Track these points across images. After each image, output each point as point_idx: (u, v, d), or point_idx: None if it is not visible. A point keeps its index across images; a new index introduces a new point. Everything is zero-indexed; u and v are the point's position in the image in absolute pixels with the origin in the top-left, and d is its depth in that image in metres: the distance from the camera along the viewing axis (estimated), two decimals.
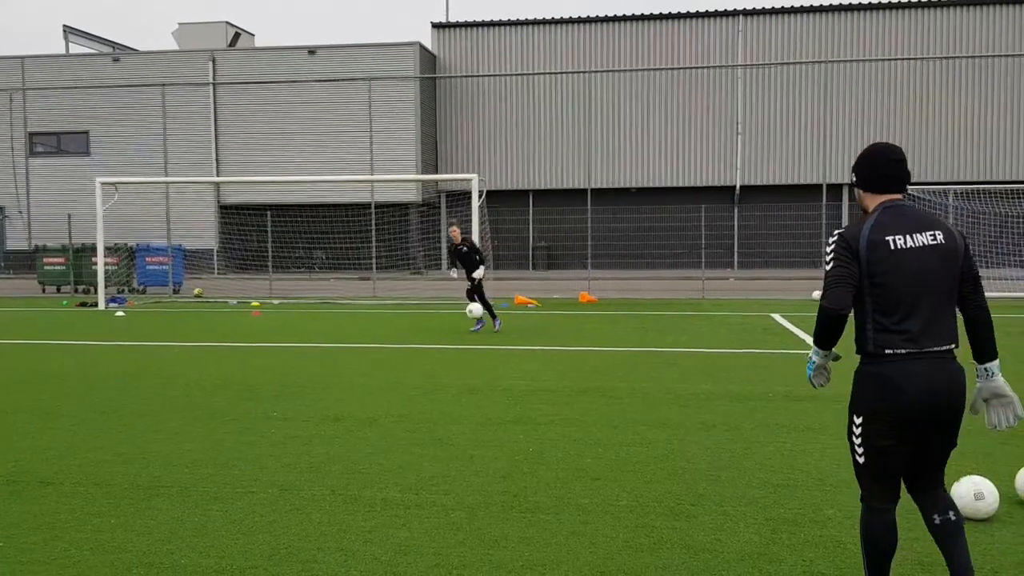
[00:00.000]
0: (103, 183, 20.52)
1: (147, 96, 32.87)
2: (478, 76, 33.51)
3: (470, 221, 17.97)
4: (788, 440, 6.23)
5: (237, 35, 38.44)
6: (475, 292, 13.45)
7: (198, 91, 34.12)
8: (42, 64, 35.78)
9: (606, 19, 34.84)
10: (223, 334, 13.63)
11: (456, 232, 13.66)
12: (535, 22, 35.34)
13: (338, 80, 30.89)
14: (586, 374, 9.33)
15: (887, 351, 3.13)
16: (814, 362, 3.41)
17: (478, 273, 13.36)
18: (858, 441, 3.25)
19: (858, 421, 3.23)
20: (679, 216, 29.55)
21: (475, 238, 17.68)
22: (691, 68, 32.61)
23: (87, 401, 7.98)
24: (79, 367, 10.21)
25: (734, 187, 33.56)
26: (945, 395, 3.12)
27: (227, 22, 38.27)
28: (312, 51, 34.36)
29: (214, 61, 34.89)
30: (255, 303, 19.79)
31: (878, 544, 3.27)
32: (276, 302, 20.05)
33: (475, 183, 17.82)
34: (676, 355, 10.86)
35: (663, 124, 34.16)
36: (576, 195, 31.37)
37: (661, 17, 34.30)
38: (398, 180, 23.71)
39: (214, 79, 34.31)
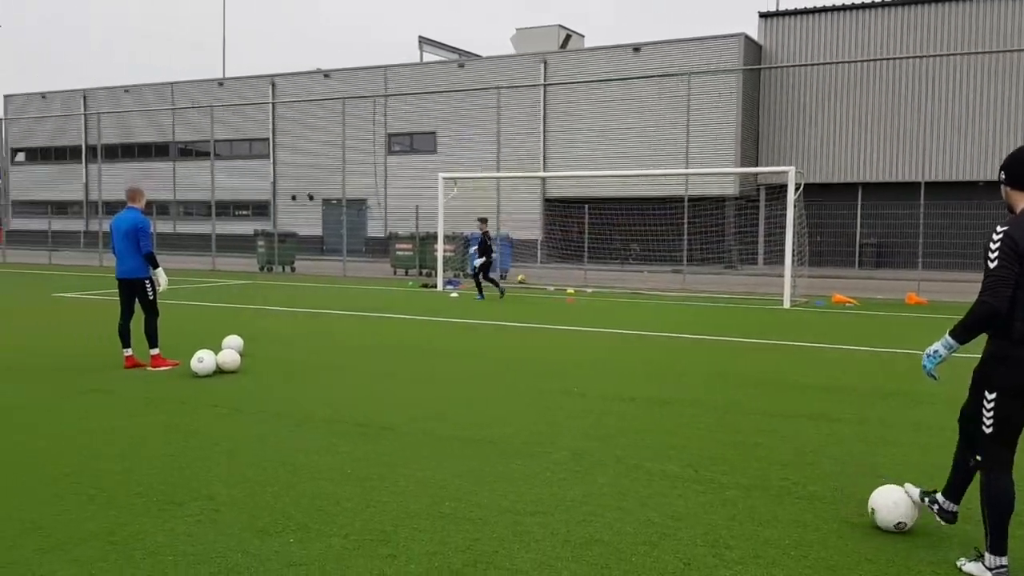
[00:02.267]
0: (445, 178, 22.83)
1: (485, 98, 35.80)
2: (805, 65, 32.14)
3: (784, 215, 17.54)
4: None
5: (568, 37, 40.42)
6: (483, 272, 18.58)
7: (530, 92, 36.46)
8: (401, 72, 40.36)
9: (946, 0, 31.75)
10: (538, 317, 14.72)
11: (484, 227, 18.79)
12: (871, 5, 33.15)
13: (658, 76, 31.34)
14: (891, 376, 8.91)
15: None
16: (940, 355, 3.76)
17: (478, 261, 18.69)
18: (990, 414, 3.69)
19: (992, 396, 3.67)
20: None
21: (789, 232, 17.32)
22: None
23: (419, 366, 9.22)
24: (416, 338, 11.70)
25: None
26: None
27: (560, 25, 40.38)
28: (637, 48, 35.20)
29: (545, 63, 37.04)
30: (570, 291, 20.95)
31: (1005, 506, 3.67)
32: (590, 291, 21.05)
33: (791, 175, 17.34)
34: None
35: (1012, 111, 30.42)
36: (909, 189, 29.05)
37: None
38: (710, 173, 23.66)
39: (544, 80, 36.43)
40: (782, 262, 18.17)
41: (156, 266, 8.94)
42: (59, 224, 41.72)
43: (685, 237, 22.99)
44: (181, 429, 6.26)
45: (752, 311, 16.42)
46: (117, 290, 9.11)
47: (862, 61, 31.81)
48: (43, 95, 50.73)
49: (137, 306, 9.04)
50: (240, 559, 3.86)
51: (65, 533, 4.13)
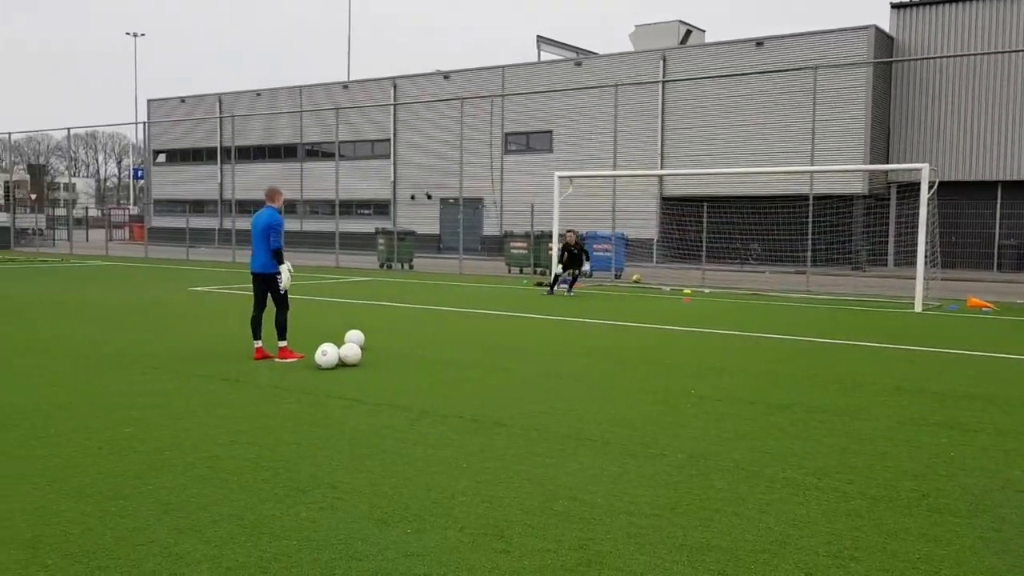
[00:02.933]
0: (560, 177, 22.85)
1: (603, 96, 35.62)
2: (940, 57, 30.54)
3: (916, 214, 16.70)
4: None
5: (688, 33, 39.73)
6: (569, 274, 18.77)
7: (648, 89, 36.04)
8: (518, 72, 40.64)
9: None
10: (653, 317, 14.54)
11: (572, 236, 18.83)
12: None
13: (782, 71, 30.40)
14: None
15: None
16: None
17: (586, 267, 19.09)
18: None
19: None
20: None
21: (921, 233, 16.51)
22: None
23: (533, 363, 9.26)
24: (530, 336, 11.75)
25: None
26: None
27: (680, 21, 39.74)
28: (759, 43, 34.26)
29: (664, 59, 36.53)
30: (687, 291, 20.60)
31: None
32: (707, 291, 20.64)
33: (925, 173, 16.49)
34: None
35: None
36: None
37: None
38: (837, 170, 22.74)
39: (663, 77, 35.94)
40: (913, 264, 17.32)
41: (281, 262, 9.30)
42: (196, 222, 44.04)
43: (809, 237, 22.21)
44: (305, 419, 6.50)
45: (881, 314, 15.72)
46: (251, 284, 9.54)
47: (1001, 53, 29.94)
48: (182, 99, 53.65)
49: (269, 299, 9.45)
50: (360, 546, 3.97)
51: (198, 515, 4.36)
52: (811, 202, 21.95)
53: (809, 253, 22.48)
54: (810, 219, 22.02)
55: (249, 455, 5.46)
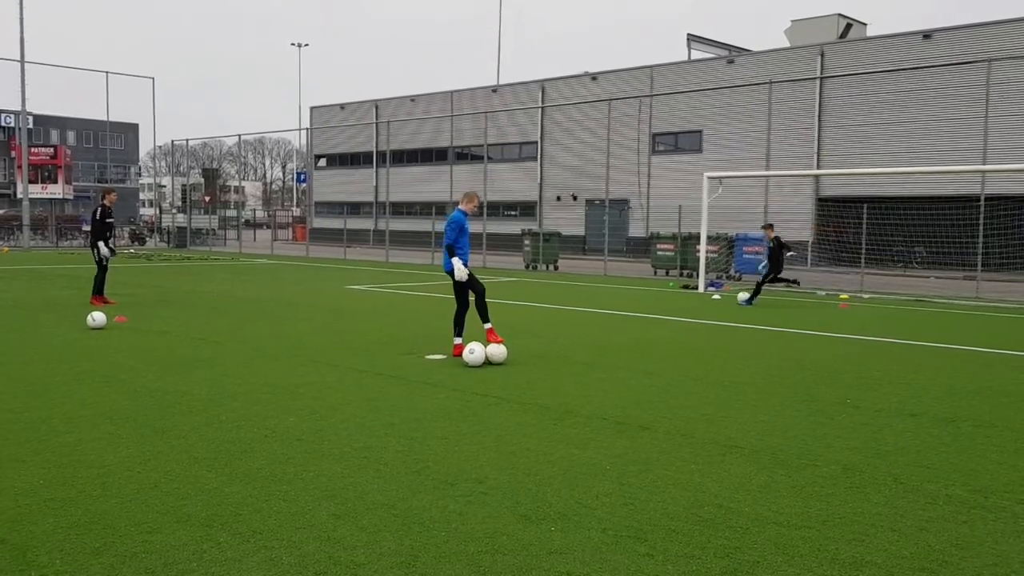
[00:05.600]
0: (710, 177, 22.39)
1: (756, 94, 34.61)
2: None
3: None
4: None
5: (849, 26, 38.03)
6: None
7: (805, 86, 34.73)
8: (667, 72, 40.10)
9: None
10: (808, 322, 14.02)
11: (770, 232, 17.33)
12: None
13: (951, 65, 28.55)
14: None
15: None
16: None
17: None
18: None
19: None
20: None
21: None
22: None
23: (679, 367, 9.14)
24: (676, 339, 11.60)
25: None
26: None
27: (839, 14, 38.09)
28: (927, 35, 32.36)
29: (823, 55, 35.09)
30: (843, 295, 19.72)
31: None
32: (866, 296, 19.69)
33: None
34: None
35: None
36: None
37: None
38: (1010, 169, 21.06)
39: (821, 73, 34.53)
40: None
41: (453, 255, 9.47)
42: (352, 223, 46.00)
43: (980, 240, 20.77)
44: (454, 415, 6.70)
45: None
46: (454, 285, 9.66)
47: None
48: (342, 106, 56.20)
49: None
50: (505, 542, 4.07)
51: (354, 502, 4.59)
52: (983, 203, 20.51)
53: (979, 257, 21.02)
54: (981, 221, 20.59)
55: (401, 447, 5.69)
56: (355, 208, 53.94)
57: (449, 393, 7.55)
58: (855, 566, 3.85)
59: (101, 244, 14.72)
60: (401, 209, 50.18)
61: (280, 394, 7.35)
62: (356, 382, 7.99)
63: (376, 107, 53.29)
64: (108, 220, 14.95)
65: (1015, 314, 16.28)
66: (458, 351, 9.34)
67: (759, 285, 17.05)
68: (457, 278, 9.45)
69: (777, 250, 17.17)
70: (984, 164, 22.18)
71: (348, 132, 54.95)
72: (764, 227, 17.86)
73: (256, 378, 8.08)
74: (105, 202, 14.97)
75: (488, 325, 9.67)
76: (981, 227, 20.66)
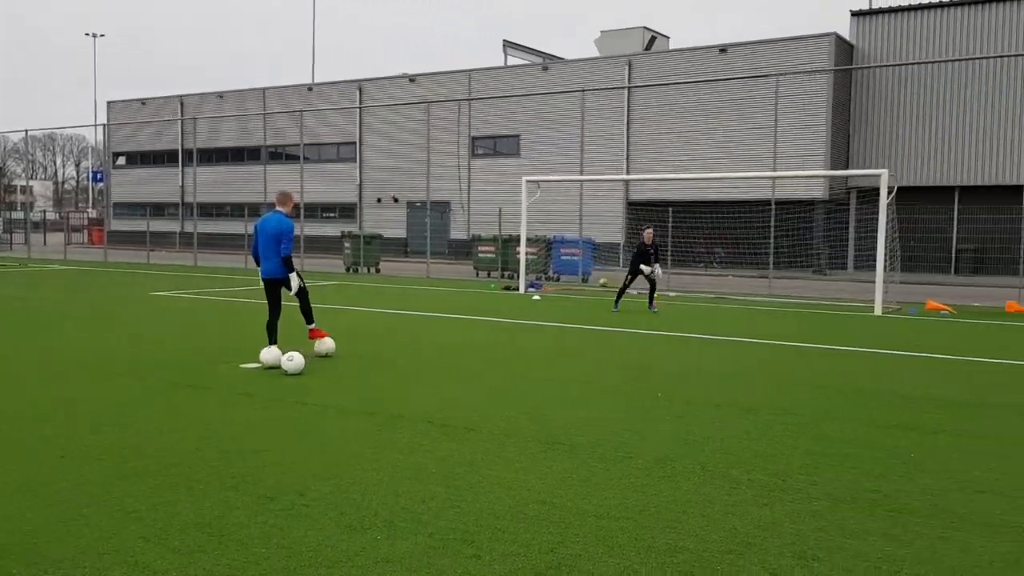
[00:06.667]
0: (528, 181, 22.91)
1: (569, 101, 35.79)
2: (899, 65, 31.19)
3: (876, 219, 17.01)
4: None
5: (653, 39, 40.07)
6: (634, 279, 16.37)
7: (615, 94, 36.28)
8: (485, 76, 40.68)
9: None
10: (622, 321, 14.63)
11: (649, 235, 16.26)
12: (968, 3, 31.88)
13: (744, 78, 30.82)
14: (992, 388, 8.55)
15: None
16: None
17: (657, 270, 16.34)
18: None
19: None
20: None
21: (881, 237, 16.83)
22: None
23: (504, 367, 9.28)
24: (499, 340, 11.78)
25: None
26: None
27: (644, 27, 40.07)
28: (723, 50, 34.67)
29: (630, 65, 36.80)
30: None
31: None
32: (672, 295, 20.82)
33: (884, 178, 16.79)
34: None
35: None
36: (1009, 193, 27.80)
37: None
38: (798, 176, 23.08)
39: (628, 82, 36.19)
40: (873, 267, 17.63)
41: (291, 269, 9.22)
42: (156, 225, 43.44)
43: (772, 241, 22.49)
44: (272, 425, 6.46)
45: (842, 317, 15.98)
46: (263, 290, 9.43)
47: (958, 60, 30.62)
48: (143, 101, 52.95)
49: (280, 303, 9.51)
50: (330, 554, 3.96)
51: (165, 523, 4.31)
52: (773, 207, 22.24)
53: (771, 257, 22.76)
54: (772, 224, 22.31)
55: (216, 462, 5.41)
56: (159, 209, 51.01)
57: (267, 403, 7.28)
58: (670, 552, 4.04)
59: None
60: (210, 210, 47.95)
61: (79, 411, 6.80)
62: (165, 395, 7.54)
63: (181, 103, 50.62)
64: None
65: (803, 308, 17.74)
66: (315, 335, 9.67)
67: (652, 288, 16.48)
68: (294, 291, 9.26)
69: (656, 254, 16.36)
70: (774, 171, 24.03)
71: (151, 129, 51.84)
72: (644, 229, 16.64)
73: (51, 394, 7.43)
74: None
75: (312, 326, 9.78)
76: (772, 229, 22.37)
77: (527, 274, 22.74)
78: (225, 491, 4.84)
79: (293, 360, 8.58)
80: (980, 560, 4.03)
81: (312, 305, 10.00)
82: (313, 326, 9.80)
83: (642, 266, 16.16)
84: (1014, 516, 4.64)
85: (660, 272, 16.58)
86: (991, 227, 29.39)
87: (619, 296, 16.73)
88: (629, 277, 16.51)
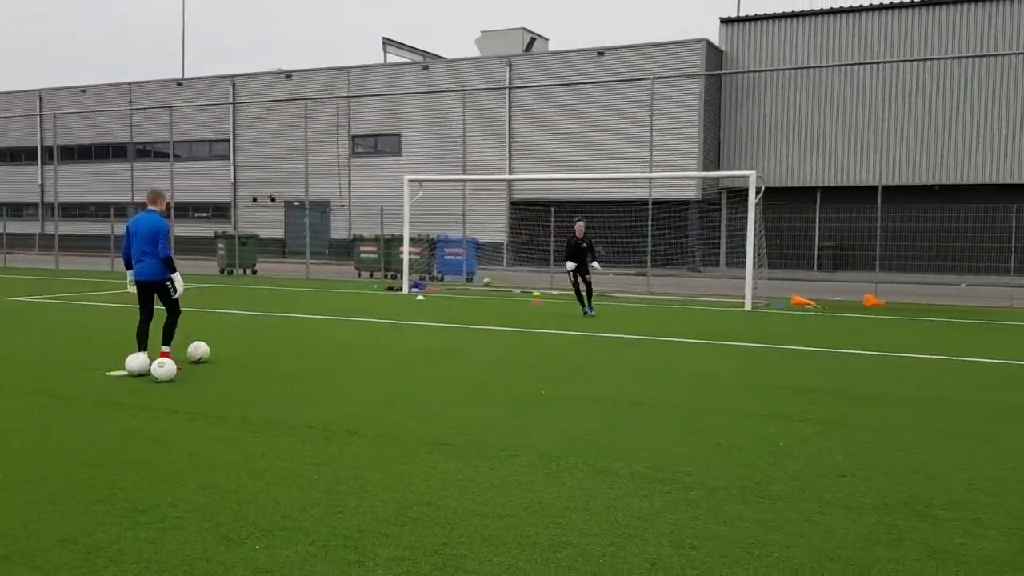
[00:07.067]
0: (410, 180, 22.76)
1: (451, 100, 35.77)
2: (765, 71, 32.65)
3: (745, 218, 17.77)
4: None
5: (532, 40, 40.53)
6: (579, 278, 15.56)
7: (495, 95, 36.49)
8: (364, 73, 40.16)
9: (904, 5, 32.42)
10: (505, 319, 14.74)
11: (580, 228, 15.73)
12: (830, 12, 33.74)
13: (621, 80, 31.59)
14: (854, 377, 9.07)
15: None
16: None
17: (597, 265, 15.72)
18: None
19: None
20: (991, 216, 26.85)
21: (750, 236, 17.57)
22: (1003, 55, 29.38)
23: (388, 369, 9.19)
24: (383, 342, 11.65)
25: None
26: None
27: (524, 28, 40.48)
28: (601, 52, 35.41)
29: (510, 66, 37.10)
30: (536, 293, 21.02)
31: None
32: (555, 292, 21.13)
33: (752, 180, 17.57)
34: (962, 364, 10.15)
35: (969, 116, 31.13)
36: (867, 192, 29.59)
37: (965, 0, 31.26)
38: (672, 177, 23.88)
39: (509, 83, 36.48)
40: (743, 265, 18.40)
41: (174, 270, 8.80)
42: (14, 227, 40.88)
43: (649, 240, 23.16)
44: (143, 435, 6.17)
45: (715, 313, 16.61)
46: (136, 293, 8.95)
47: (820, 67, 32.35)
48: None
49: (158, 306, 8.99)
50: (205, 567, 3.81)
51: (27, 540, 4.06)
52: (650, 207, 22.89)
53: (649, 255, 23.43)
54: (650, 223, 22.96)
55: (82, 476, 5.13)
56: (17, 209, 48.01)
57: (136, 411, 6.95)
58: (553, 548, 4.09)
59: None
60: (73, 211, 45.49)
61: None
62: (25, 406, 7.09)
63: (40, 97, 47.78)
64: None
65: (678, 305, 18.33)
66: (166, 356, 8.70)
67: (588, 289, 15.69)
68: (179, 293, 8.84)
69: (588, 249, 15.70)
70: (650, 171, 24.75)
71: (7, 124, 48.67)
72: (576, 222, 16.04)
73: None
74: None
75: (166, 348, 8.91)
76: (649, 228, 23.02)
77: (411, 274, 22.60)
78: (93, 505, 4.59)
79: (164, 367, 8.24)
80: (844, 541, 4.26)
81: (183, 309, 9.44)
82: (168, 349, 8.86)
83: (594, 264, 15.54)
84: (872, 498, 4.93)
85: (599, 267, 15.87)
86: (850, 226, 31.19)
87: (579, 298, 15.67)
88: (572, 276, 15.57)
